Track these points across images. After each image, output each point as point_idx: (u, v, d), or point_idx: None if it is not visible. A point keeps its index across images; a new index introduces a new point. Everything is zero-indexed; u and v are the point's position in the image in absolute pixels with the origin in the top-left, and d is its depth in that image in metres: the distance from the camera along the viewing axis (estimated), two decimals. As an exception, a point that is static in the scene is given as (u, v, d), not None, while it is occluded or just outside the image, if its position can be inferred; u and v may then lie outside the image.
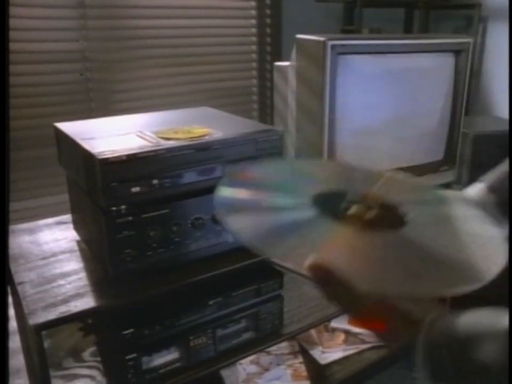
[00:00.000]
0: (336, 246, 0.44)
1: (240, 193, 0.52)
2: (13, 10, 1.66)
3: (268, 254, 0.44)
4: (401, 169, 1.18)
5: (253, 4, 2.25)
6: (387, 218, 0.50)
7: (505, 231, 0.52)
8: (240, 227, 0.46)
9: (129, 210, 0.80)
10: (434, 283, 0.42)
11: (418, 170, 1.20)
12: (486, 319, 0.41)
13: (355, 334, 1.44)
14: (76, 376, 0.97)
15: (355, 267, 0.42)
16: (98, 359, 1.01)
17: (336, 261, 0.42)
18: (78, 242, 0.99)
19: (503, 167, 0.79)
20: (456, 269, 0.45)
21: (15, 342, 1.01)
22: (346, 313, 0.47)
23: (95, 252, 0.91)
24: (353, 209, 0.50)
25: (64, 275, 0.87)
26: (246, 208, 0.49)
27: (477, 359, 0.39)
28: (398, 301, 0.44)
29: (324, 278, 0.41)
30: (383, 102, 1.13)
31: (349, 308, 0.45)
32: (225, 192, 0.52)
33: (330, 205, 0.50)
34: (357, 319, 0.46)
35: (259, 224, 0.47)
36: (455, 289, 0.42)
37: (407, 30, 2.55)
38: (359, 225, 0.48)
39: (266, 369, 1.35)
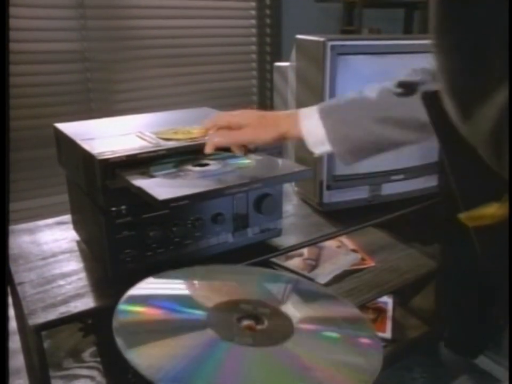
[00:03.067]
0: (232, 371, 0.48)
1: (140, 315, 0.57)
2: (13, 10, 1.66)
3: None
4: (400, 170, 1.18)
5: (253, 4, 2.25)
6: (277, 328, 0.56)
7: None
8: (143, 363, 0.49)
9: (129, 211, 0.80)
10: None
11: (417, 171, 1.20)
12: None
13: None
14: (76, 377, 0.97)
15: None
16: (98, 359, 1.01)
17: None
18: (78, 242, 0.99)
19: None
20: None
21: (15, 342, 1.01)
22: None
23: (95, 252, 0.91)
24: (245, 322, 0.56)
25: (64, 275, 0.87)
26: (146, 336, 0.53)
27: None
28: None
29: None
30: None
31: None
32: (126, 314, 0.56)
33: (225, 319, 0.56)
34: None
35: (161, 358, 0.50)
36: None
37: (407, 30, 2.55)
38: (253, 338, 0.53)
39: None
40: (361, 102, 0.77)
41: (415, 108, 0.66)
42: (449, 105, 0.35)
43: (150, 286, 0.65)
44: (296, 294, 0.66)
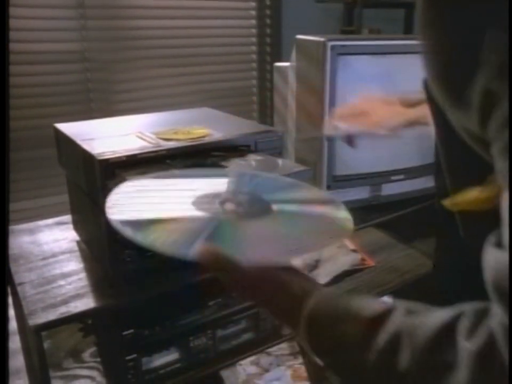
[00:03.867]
0: (228, 235, 0.53)
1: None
2: (13, 11, 1.66)
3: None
4: (400, 170, 1.18)
5: (253, 4, 2.25)
6: (257, 209, 0.61)
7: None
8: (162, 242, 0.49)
9: (129, 211, 0.80)
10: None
11: (417, 171, 1.20)
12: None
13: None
14: (76, 377, 0.97)
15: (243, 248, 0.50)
16: (98, 359, 1.01)
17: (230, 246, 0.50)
18: (78, 242, 0.99)
19: None
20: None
21: (15, 343, 1.01)
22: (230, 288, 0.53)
23: (95, 252, 0.91)
24: (228, 206, 0.60)
25: (64, 275, 0.87)
26: (150, 220, 0.54)
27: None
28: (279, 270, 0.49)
29: (212, 259, 0.47)
30: (383, 102, 1.13)
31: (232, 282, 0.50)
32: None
33: (210, 204, 0.60)
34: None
35: (176, 235, 0.52)
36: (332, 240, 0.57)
37: (407, 30, 2.55)
38: (238, 217, 0.58)
39: (266, 370, 1.35)
40: None
41: None
42: (436, 92, 0.37)
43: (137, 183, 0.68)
44: (274, 186, 0.70)
